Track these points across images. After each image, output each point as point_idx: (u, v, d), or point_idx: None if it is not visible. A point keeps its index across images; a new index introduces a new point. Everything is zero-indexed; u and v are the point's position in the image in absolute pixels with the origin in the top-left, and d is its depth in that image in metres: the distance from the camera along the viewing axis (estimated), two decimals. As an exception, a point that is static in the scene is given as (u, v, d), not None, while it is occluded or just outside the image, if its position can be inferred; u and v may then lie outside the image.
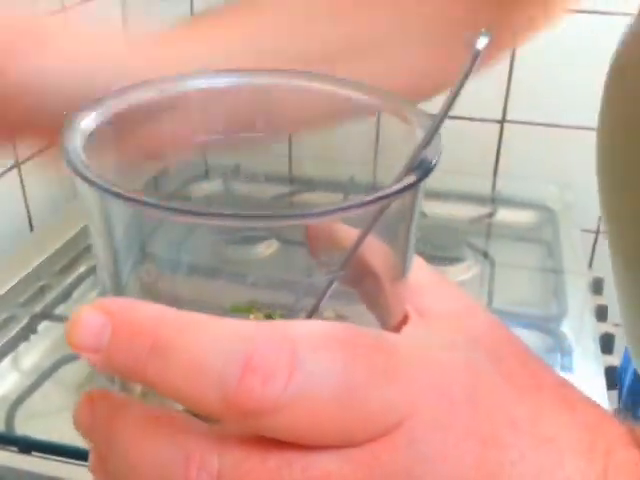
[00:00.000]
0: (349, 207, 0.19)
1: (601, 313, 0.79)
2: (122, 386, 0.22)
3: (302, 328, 0.19)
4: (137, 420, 0.19)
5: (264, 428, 0.18)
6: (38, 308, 0.74)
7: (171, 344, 0.18)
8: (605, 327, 0.77)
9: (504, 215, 0.96)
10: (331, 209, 0.19)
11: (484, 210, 0.96)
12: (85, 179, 0.19)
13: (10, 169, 0.87)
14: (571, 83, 0.99)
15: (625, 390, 0.69)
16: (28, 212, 0.91)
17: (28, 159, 0.90)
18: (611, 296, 0.80)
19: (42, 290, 0.76)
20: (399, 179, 0.20)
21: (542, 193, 0.98)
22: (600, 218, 1.05)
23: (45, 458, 0.56)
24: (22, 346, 0.70)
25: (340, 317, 0.24)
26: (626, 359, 0.71)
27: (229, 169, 0.86)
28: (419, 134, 0.22)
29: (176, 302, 0.19)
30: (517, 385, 0.22)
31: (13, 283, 0.75)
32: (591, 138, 1.06)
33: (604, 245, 1.08)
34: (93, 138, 0.22)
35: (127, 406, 0.20)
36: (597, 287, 0.85)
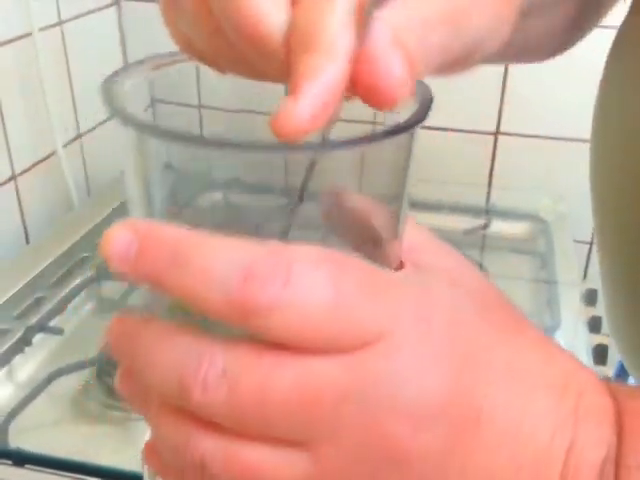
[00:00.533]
0: (359, 141, 0.21)
1: (594, 324, 0.80)
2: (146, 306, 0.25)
3: (300, 249, 0.21)
4: (159, 328, 0.22)
5: (260, 328, 0.20)
6: (33, 320, 0.74)
7: (187, 256, 0.20)
8: (599, 338, 0.77)
9: (498, 226, 0.96)
10: (342, 142, 0.20)
11: (478, 221, 0.97)
12: (126, 119, 0.22)
13: (7, 182, 0.87)
14: (565, 95, 1.00)
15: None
16: (24, 224, 0.91)
17: (25, 171, 0.90)
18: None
19: (37, 302, 0.76)
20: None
21: (535, 204, 0.99)
22: (594, 229, 1.05)
23: (38, 471, 0.56)
24: (17, 358, 0.70)
25: None
26: (619, 370, 0.71)
27: (230, 182, 0.87)
28: None
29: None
30: (499, 328, 0.24)
31: (8, 295, 0.75)
32: (584, 150, 1.06)
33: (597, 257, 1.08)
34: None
35: (151, 320, 0.23)
36: (591, 298, 0.85)
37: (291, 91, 0.21)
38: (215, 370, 0.21)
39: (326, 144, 0.21)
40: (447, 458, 0.22)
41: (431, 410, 0.21)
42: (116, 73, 0.24)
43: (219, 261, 0.20)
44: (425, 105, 0.22)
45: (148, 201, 0.24)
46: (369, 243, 0.25)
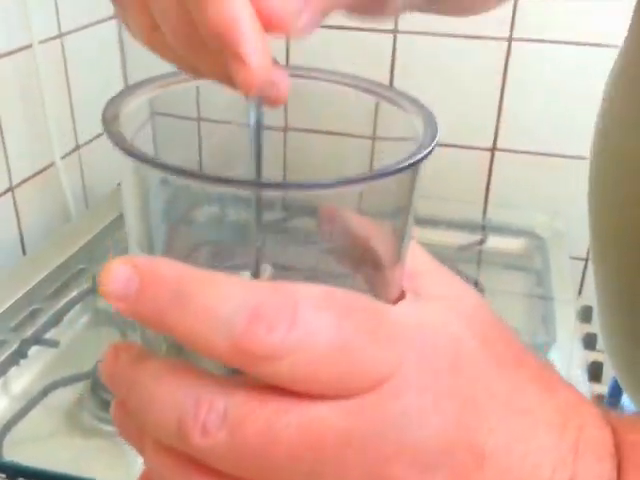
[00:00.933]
0: (362, 179, 0.21)
1: (589, 341, 0.80)
2: (144, 340, 0.24)
3: (305, 289, 0.21)
4: (156, 366, 0.21)
5: (266, 373, 0.20)
6: (29, 332, 0.74)
7: (189, 294, 0.20)
8: (594, 355, 0.77)
9: (494, 242, 0.97)
10: (343, 180, 0.21)
11: (474, 237, 0.97)
12: (124, 150, 0.22)
13: (4, 193, 0.87)
14: (562, 112, 1.00)
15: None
16: (21, 235, 0.91)
17: (22, 182, 0.90)
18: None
19: (33, 314, 0.76)
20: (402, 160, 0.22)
21: (532, 221, 0.99)
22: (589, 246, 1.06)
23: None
24: (12, 371, 0.70)
25: None
26: (613, 387, 0.71)
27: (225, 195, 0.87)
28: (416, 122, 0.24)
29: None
30: (499, 362, 0.24)
31: (4, 306, 0.75)
32: (581, 167, 1.07)
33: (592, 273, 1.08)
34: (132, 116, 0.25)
35: (148, 355, 0.22)
36: (586, 315, 0.85)
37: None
38: (216, 413, 0.20)
39: (328, 182, 0.21)
40: None
41: (435, 452, 0.21)
42: (117, 97, 0.25)
43: (223, 301, 0.20)
44: (430, 139, 0.22)
45: (145, 216, 0.24)
46: (369, 266, 0.25)
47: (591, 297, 0.93)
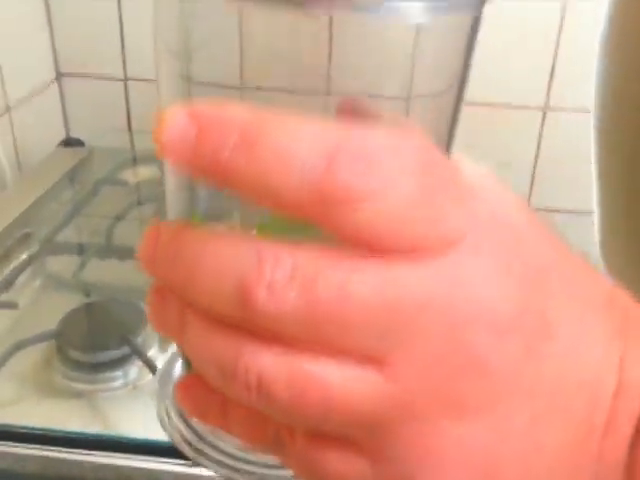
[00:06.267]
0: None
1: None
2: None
3: (387, 134, 0.19)
4: (204, 232, 0.19)
5: (345, 221, 0.18)
6: (-19, 297, 0.70)
7: (257, 137, 0.18)
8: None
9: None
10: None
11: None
12: None
13: None
14: (500, 62, 1.02)
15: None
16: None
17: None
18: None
19: (-18, 279, 0.72)
20: None
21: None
22: (529, 195, 1.09)
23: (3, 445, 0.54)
24: (-32, 336, 0.66)
25: None
26: None
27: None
28: None
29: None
30: (554, 247, 0.23)
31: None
32: (518, 117, 1.09)
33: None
34: None
35: (193, 225, 0.20)
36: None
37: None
38: (283, 270, 0.18)
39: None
40: (521, 368, 0.21)
41: (509, 316, 0.20)
42: None
43: (298, 142, 0.18)
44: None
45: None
46: None
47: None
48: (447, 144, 0.23)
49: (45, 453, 0.54)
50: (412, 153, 0.19)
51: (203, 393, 0.22)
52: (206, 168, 0.18)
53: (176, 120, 0.18)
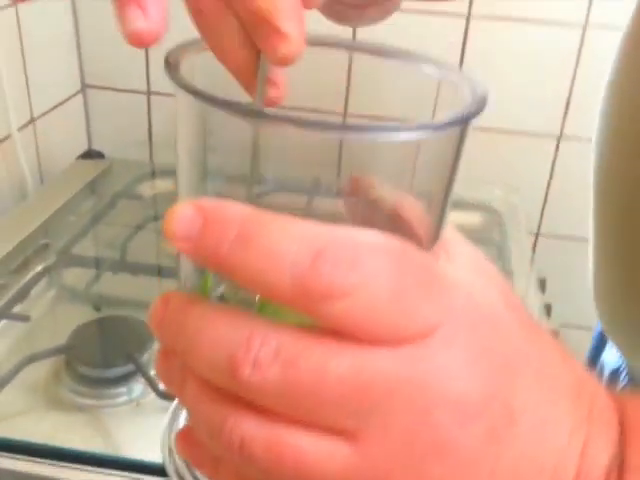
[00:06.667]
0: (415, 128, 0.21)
1: (547, 311, 0.83)
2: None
3: (366, 234, 0.21)
4: (207, 307, 0.22)
5: (325, 314, 0.20)
6: (-4, 307, 0.72)
7: (253, 234, 0.20)
8: (551, 324, 0.81)
9: (454, 217, 0.99)
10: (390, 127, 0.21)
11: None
12: (188, 90, 0.22)
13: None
14: (523, 88, 1.02)
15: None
16: (-20, 210, 0.89)
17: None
18: (552, 297, 0.85)
19: (-1, 289, 0.75)
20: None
21: (489, 195, 1.02)
22: (540, 221, 1.09)
23: (10, 458, 0.56)
24: (-19, 346, 0.68)
25: None
26: (595, 347, 0.71)
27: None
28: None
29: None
30: (528, 330, 0.25)
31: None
32: (539, 144, 1.10)
33: (543, 247, 1.12)
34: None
35: (198, 299, 0.23)
36: (542, 286, 0.89)
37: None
38: (268, 348, 0.20)
39: (379, 127, 0.21)
40: (484, 452, 0.22)
41: (475, 404, 0.22)
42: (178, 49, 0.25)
43: (288, 241, 0.20)
44: (481, 100, 0.23)
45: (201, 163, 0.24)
46: (410, 238, 0.25)
47: (543, 269, 0.97)
48: (438, 226, 0.25)
49: (44, 467, 0.56)
50: (391, 254, 0.21)
51: (199, 445, 0.25)
52: (208, 259, 0.21)
53: (184, 213, 0.21)
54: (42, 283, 0.79)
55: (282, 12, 0.24)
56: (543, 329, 0.26)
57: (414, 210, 0.25)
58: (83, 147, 1.09)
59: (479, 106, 0.23)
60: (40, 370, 0.65)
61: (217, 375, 0.21)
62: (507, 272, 0.86)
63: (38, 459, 0.56)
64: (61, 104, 1.03)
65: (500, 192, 1.02)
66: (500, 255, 0.91)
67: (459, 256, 0.26)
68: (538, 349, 0.25)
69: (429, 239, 0.25)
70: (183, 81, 0.22)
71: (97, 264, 0.81)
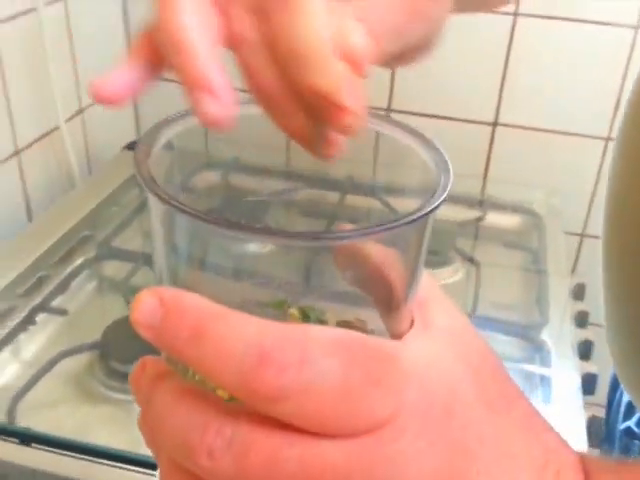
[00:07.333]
0: (374, 231, 0.22)
1: (581, 319, 0.82)
2: (168, 359, 0.26)
3: (316, 332, 0.22)
4: (173, 388, 0.23)
5: (274, 411, 0.21)
6: (37, 300, 0.75)
7: (205, 332, 0.21)
8: (585, 334, 0.79)
9: (492, 219, 0.98)
10: (358, 232, 0.22)
11: (473, 213, 0.98)
12: (156, 195, 0.23)
13: (10, 157, 0.88)
14: (565, 89, 1.01)
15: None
16: (27, 202, 0.92)
17: (28, 147, 0.91)
18: (592, 301, 0.83)
19: (40, 281, 0.78)
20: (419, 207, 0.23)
21: (529, 197, 1.00)
22: (585, 221, 1.07)
23: (44, 450, 0.58)
24: (21, 337, 0.71)
25: (358, 320, 0.27)
26: (614, 378, 0.70)
27: (229, 161, 0.87)
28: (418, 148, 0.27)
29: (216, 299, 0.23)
30: (491, 408, 0.25)
31: (12, 274, 0.76)
32: (580, 144, 1.07)
33: (588, 249, 1.10)
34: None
35: (169, 376, 0.24)
36: (579, 293, 0.87)
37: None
38: (222, 440, 0.21)
39: (338, 234, 0.23)
40: None
41: None
42: (144, 141, 0.26)
43: (236, 340, 0.21)
44: (444, 187, 0.24)
45: (172, 264, 0.26)
46: (384, 296, 0.26)
47: (585, 274, 0.95)
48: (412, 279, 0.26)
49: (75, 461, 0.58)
50: (341, 349, 0.22)
51: None
52: (168, 349, 0.22)
53: (147, 302, 0.22)
54: (82, 276, 0.82)
55: (344, 89, 0.26)
56: (520, 402, 0.27)
57: (393, 264, 0.26)
58: (131, 137, 1.12)
59: (439, 196, 0.24)
60: (75, 363, 0.68)
61: (179, 456, 0.23)
62: (543, 277, 0.85)
63: (68, 453, 0.59)
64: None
65: (541, 194, 1.00)
66: (535, 259, 0.90)
67: (436, 320, 0.26)
68: (500, 428, 0.25)
69: (405, 289, 0.26)
70: (150, 184, 0.24)
71: (134, 257, 0.83)
